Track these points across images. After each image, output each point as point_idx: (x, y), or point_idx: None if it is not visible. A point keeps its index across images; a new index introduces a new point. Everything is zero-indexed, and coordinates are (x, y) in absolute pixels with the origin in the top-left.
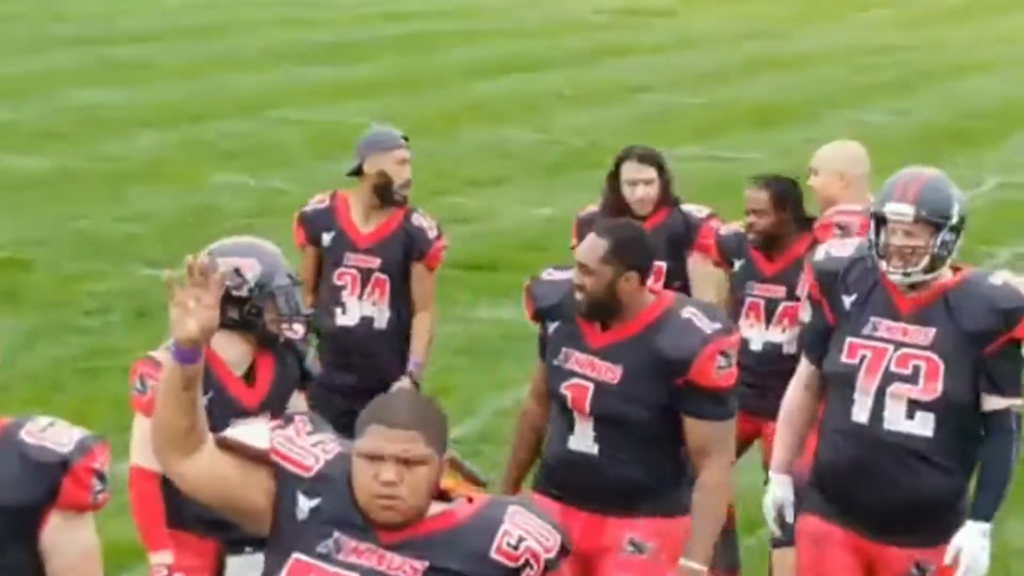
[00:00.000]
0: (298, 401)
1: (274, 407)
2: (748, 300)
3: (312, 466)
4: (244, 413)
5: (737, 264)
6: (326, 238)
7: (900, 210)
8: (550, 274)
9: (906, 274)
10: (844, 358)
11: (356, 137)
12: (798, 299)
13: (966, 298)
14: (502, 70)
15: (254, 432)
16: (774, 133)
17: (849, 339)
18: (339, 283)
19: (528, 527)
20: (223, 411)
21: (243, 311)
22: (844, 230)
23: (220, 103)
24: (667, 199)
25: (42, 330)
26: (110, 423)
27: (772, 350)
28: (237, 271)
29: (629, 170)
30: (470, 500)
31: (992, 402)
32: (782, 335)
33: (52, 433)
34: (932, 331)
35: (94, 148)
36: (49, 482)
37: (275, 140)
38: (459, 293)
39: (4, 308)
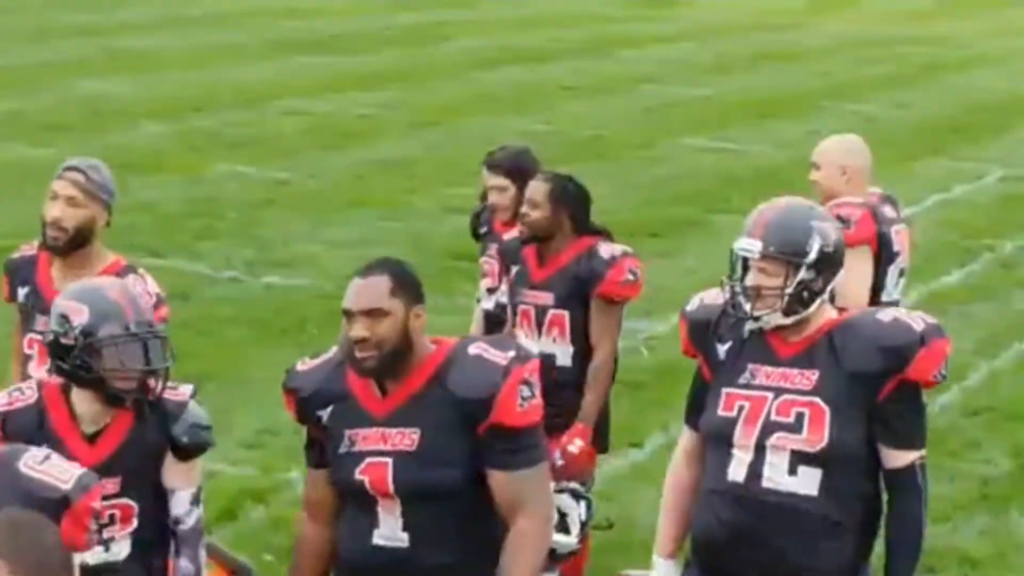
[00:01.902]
0: (180, 469)
1: (123, 471)
2: (520, 308)
3: None
4: None
5: (513, 269)
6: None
7: (747, 245)
8: (304, 364)
9: (755, 318)
10: (720, 411)
11: (359, 127)
12: (564, 307)
13: (852, 337)
14: (505, 61)
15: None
16: (777, 125)
17: (725, 390)
18: None
19: None
20: None
21: (71, 361)
22: (845, 223)
23: (222, 94)
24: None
25: None
26: None
27: (547, 361)
28: (64, 316)
29: (485, 175)
30: None
31: (893, 457)
32: (554, 345)
33: (51, 467)
34: (815, 374)
35: (97, 138)
36: (49, 518)
37: (277, 130)
38: (460, 283)
39: None
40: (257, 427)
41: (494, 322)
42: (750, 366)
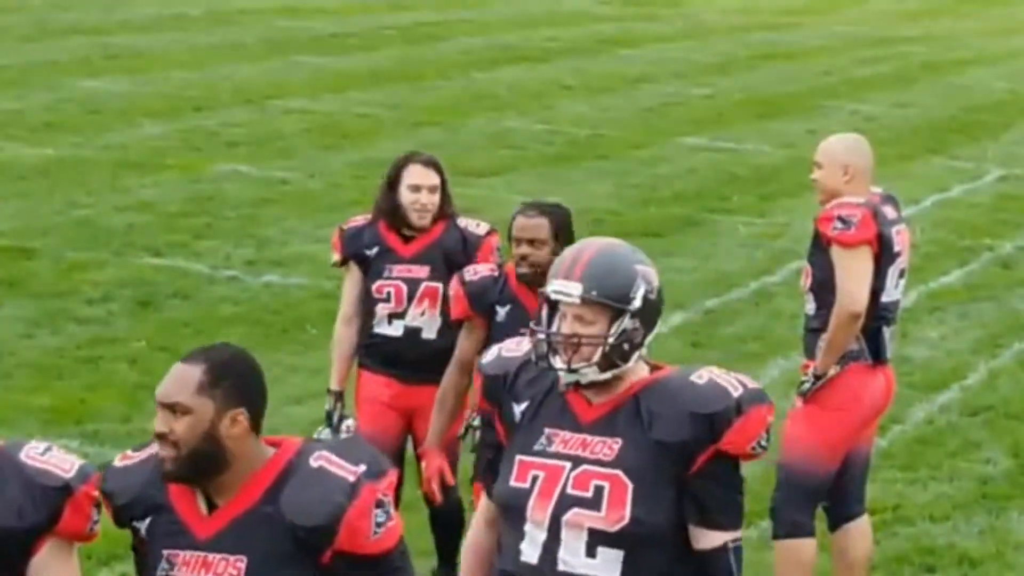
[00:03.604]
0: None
1: None
2: None
3: None
4: None
5: (502, 312)
6: None
7: (563, 288)
8: (125, 458)
9: (571, 370)
10: (513, 481)
11: (359, 127)
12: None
13: (661, 401)
14: (505, 61)
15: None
16: (776, 125)
17: (519, 457)
18: None
19: None
20: None
21: None
22: (846, 223)
23: (222, 93)
24: (446, 211)
25: (44, 319)
26: (111, 412)
27: None
28: None
29: (414, 174)
30: None
31: (703, 538)
32: None
33: (53, 457)
34: (618, 443)
35: (97, 137)
36: (50, 507)
37: (277, 130)
38: None
39: (6, 296)
40: None
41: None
42: (547, 430)
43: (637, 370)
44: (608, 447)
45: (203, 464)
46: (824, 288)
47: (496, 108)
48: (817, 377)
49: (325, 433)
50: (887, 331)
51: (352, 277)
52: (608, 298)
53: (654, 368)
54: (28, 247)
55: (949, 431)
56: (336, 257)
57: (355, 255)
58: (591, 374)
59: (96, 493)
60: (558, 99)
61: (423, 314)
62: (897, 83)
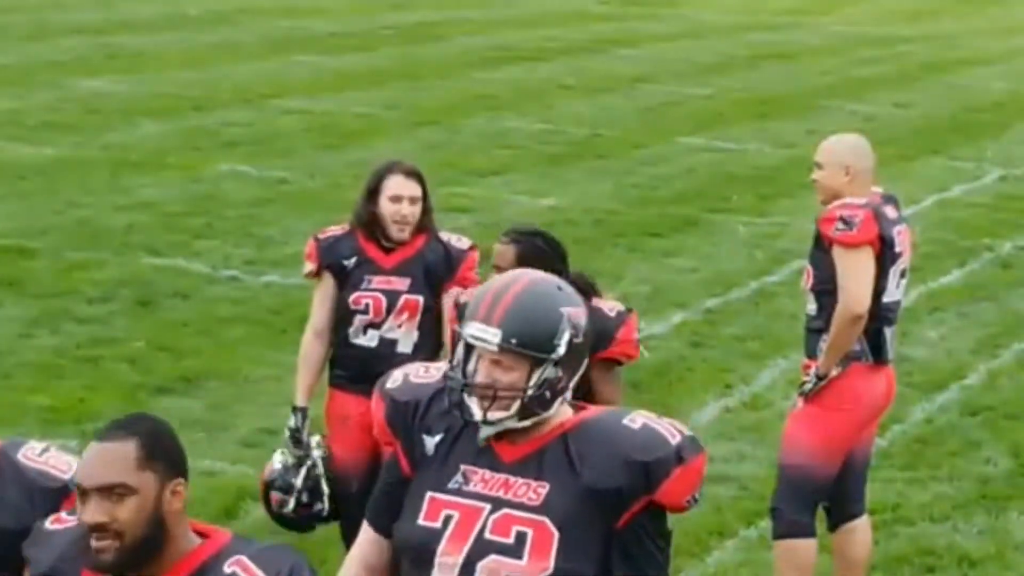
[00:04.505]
0: None
1: None
2: None
3: None
4: None
5: None
6: None
7: (480, 334)
8: (54, 523)
9: (487, 421)
10: (421, 520)
11: (358, 127)
12: None
13: (593, 444)
14: (505, 61)
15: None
16: (776, 125)
17: (430, 494)
18: None
19: None
20: None
21: None
22: (847, 224)
23: (222, 92)
24: (427, 224)
25: (44, 318)
26: (110, 412)
27: None
28: None
29: (395, 184)
30: None
31: None
32: None
33: (51, 458)
34: (545, 487)
35: (96, 137)
36: (49, 508)
37: (277, 129)
38: None
39: (6, 296)
40: (257, 426)
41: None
42: (464, 467)
43: (561, 412)
44: (533, 490)
45: (145, 550)
46: (825, 288)
47: (495, 108)
48: (819, 377)
49: (282, 456)
50: (888, 331)
51: (324, 288)
52: (529, 347)
53: (578, 408)
54: (28, 247)
55: (949, 431)
56: (310, 267)
57: (332, 265)
58: (509, 423)
59: None
60: (558, 99)
61: (400, 326)
62: (897, 83)
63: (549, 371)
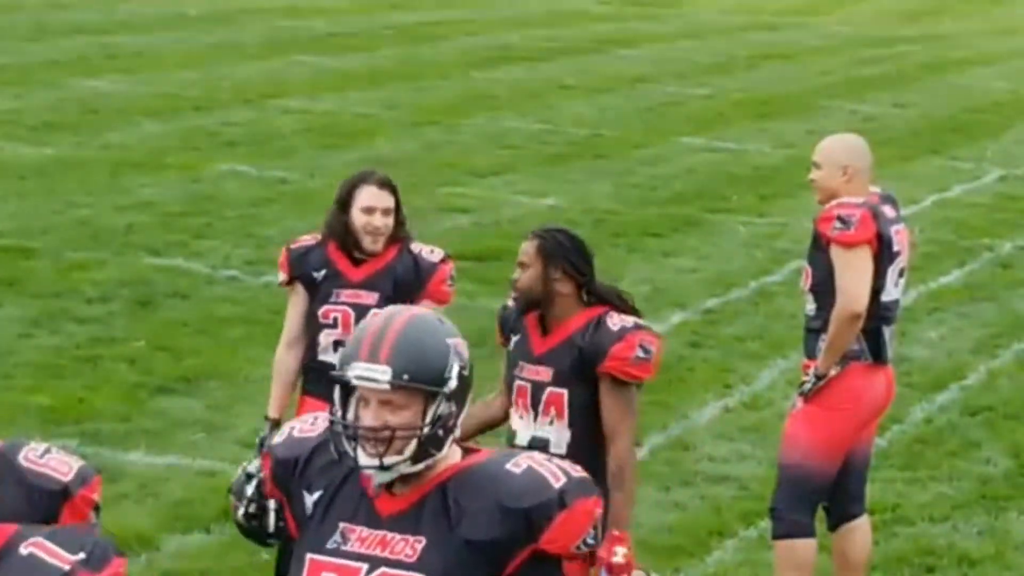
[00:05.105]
0: None
1: None
2: (517, 384)
3: None
4: None
5: (513, 340)
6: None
7: (368, 373)
8: None
9: (383, 467)
10: None
11: (358, 127)
12: (563, 386)
13: (471, 493)
14: (505, 61)
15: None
16: (776, 125)
17: (310, 556)
18: None
19: None
20: None
21: None
22: (845, 223)
23: (222, 92)
24: (399, 234)
25: (43, 318)
26: (110, 411)
27: (540, 448)
28: None
29: (367, 195)
30: None
31: None
32: (549, 428)
33: (51, 460)
34: (421, 542)
35: (96, 137)
36: (48, 511)
37: (277, 129)
38: (461, 283)
39: (6, 296)
40: (257, 426)
41: None
42: (342, 525)
43: (449, 455)
44: (410, 546)
45: None
46: (824, 288)
47: (495, 108)
48: (818, 377)
49: (248, 464)
50: (887, 331)
51: (297, 298)
52: (422, 382)
53: (467, 452)
54: (28, 247)
55: (948, 431)
56: (283, 276)
57: (302, 276)
58: (404, 468)
59: (95, 496)
60: (557, 99)
61: None
62: (897, 83)
63: (443, 406)
